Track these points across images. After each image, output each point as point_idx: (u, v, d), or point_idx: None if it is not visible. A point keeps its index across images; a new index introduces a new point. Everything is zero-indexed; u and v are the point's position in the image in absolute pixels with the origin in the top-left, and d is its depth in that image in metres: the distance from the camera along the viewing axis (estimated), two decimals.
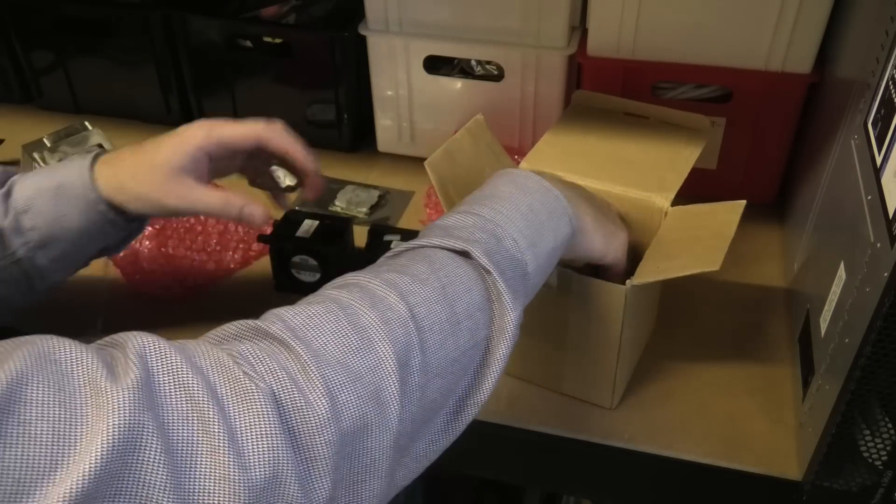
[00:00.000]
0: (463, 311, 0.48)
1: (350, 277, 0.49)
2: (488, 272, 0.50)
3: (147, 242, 0.83)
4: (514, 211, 0.54)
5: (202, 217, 0.88)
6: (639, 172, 0.71)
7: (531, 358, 0.68)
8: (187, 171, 0.62)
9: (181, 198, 0.62)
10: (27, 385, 0.34)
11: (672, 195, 0.69)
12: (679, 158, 0.73)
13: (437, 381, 0.47)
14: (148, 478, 0.35)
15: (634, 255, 0.65)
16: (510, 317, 0.50)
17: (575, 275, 0.62)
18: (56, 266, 0.65)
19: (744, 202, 0.64)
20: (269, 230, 0.78)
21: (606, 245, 0.61)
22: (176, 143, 0.62)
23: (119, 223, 0.64)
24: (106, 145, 0.96)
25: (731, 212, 0.64)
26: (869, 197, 0.56)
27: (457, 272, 0.50)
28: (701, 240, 0.62)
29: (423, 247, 0.51)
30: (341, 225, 0.80)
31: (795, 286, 0.76)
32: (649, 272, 0.61)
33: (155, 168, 0.62)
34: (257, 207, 0.65)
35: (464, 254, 0.51)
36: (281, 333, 0.43)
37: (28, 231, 0.62)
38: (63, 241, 0.63)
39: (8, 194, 0.63)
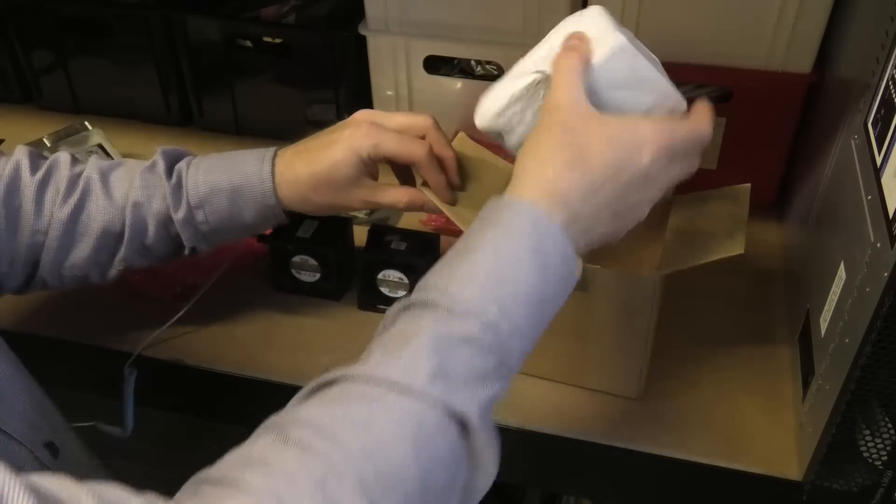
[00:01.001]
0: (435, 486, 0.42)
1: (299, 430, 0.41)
2: (471, 430, 0.43)
3: None
4: (525, 307, 0.47)
5: None
6: None
7: (552, 355, 0.68)
8: (363, 174, 0.64)
9: (366, 201, 0.65)
10: None
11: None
12: None
13: None
14: None
15: (638, 246, 0.65)
16: (489, 456, 0.44)
17: (599, 269, 0.62)
18: (209, 245, 0.69)
19: (748, 185, 0.65)
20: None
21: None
22: (346, 151, 0.63)
23: (282, 218, 0.68)
24: (106, 145, 0.97)
25: (737, 196, 0.64)
26: (869, 197, 0.56)
27: (434, 445, 0.42)
28: (716, 226, 0.63)
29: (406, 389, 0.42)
30: (341, 225, 0.80)
31: (795, 286, 0.76)
32: (676, 260, 0.61)
33: (334, 181, 0.64)
34: (432, 198, 0.65)
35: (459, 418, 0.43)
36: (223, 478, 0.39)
37: (200, 224, 0.67)
38: (230, 232, 0.68)
39: (179, 185, 0.67)
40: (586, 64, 0.54)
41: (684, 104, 0.57)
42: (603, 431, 0.66)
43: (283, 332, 0.76)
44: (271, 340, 0.75)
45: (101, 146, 0.96)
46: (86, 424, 0.71)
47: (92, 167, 0.67)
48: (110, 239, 0.66)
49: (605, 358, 0.67)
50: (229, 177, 0.67)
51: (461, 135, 0.70)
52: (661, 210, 0.69)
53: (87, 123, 0.97)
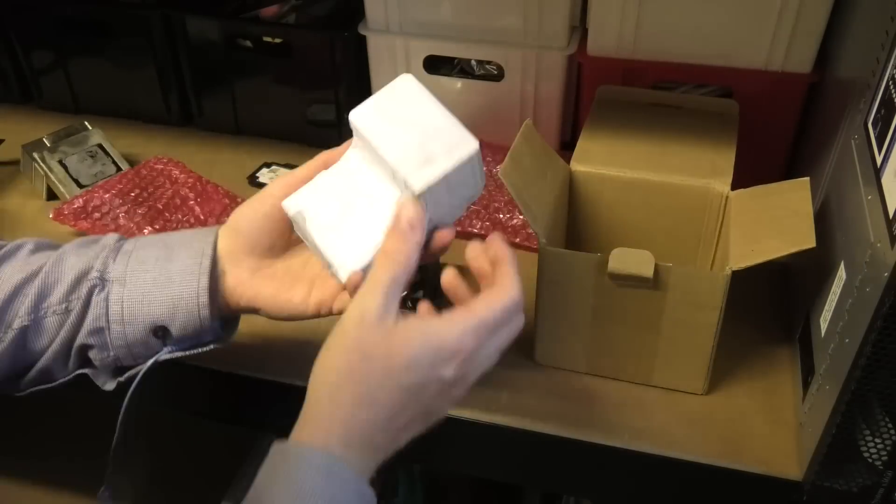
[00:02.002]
0: None
1: None
2: None
3: None
4: None
5: (201, 217, 0.88)
6: (687, 160, 0.73)
7: (621, 353, 0.68)
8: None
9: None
10: None
11: (729, 179, 0.70)
12: (720, 142, 0.74)
13: None
14: None
15: (690, 244, 0.65)
16: None
17: (672, 266, 0.62)
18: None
19: (807, 179, 0.65)
20: None
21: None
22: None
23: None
24: (106, 145, 0.97)
25: (798, 189, 0.65)
26: (869, 197, 0.56)
27: None
28: (782, 219, 0.63)
29: None
30: None
31: (795, 286, 0.76)
32: (745, 256, 0.61)
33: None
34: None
35: None
36: None
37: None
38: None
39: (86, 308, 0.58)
40: (405, 272, 0.51)
41: (475, 144, 0.54)
42: (603, 431, 0.66)
43: (283, 333, 0.76)
44: (271, 341, 0.75)
45: (100, 146, 0.96)
46: None
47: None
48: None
49: (674, 355, 0.67)
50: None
51: (529, 122, 0.70)
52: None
53: (87, 123, 0.97)
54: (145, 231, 0.84)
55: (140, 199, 0.89)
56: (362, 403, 0.48)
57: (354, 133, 0.56)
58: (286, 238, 0.60)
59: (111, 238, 0.61)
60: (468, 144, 0.53)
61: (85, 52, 1.04)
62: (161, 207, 0.88)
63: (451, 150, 0.53)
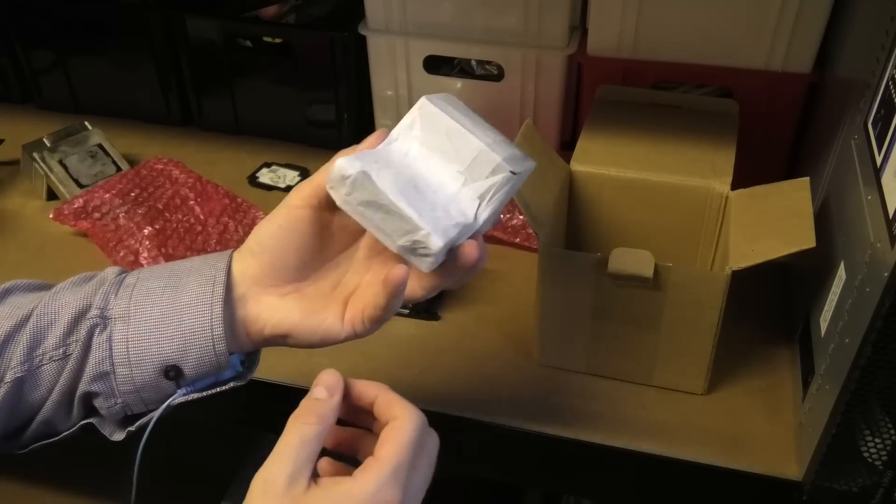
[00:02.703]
0: None
1: None
2: None
3: (147, 243, 0.83)
4: None
5: (201, 217, 0.88)
6: (687, 160, 0.73)
7: (621, 353, 0.69)
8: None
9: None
10: None
11: (729, 179, 0.70)
12: (720, 142, 0.74)
13: None
14: None
15: (690, 244, 0.65)
16: None
17: (672, 266, 0.62)
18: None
19: (807, 179, 0.65)
20: None
21: None
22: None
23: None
24: (106, 145, 0.97)
25: (798, 189, 0.65)
26: (869, 197, 0.56)
27: None
28: (782, 219, 0.63)
29: None
30: None
31: (795, 286, 0.76)
32: (745, 256, 0.61)
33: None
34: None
35: None
36: None
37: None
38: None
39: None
40: (316, 437, 0.46)
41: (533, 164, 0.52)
42: (603, 431, 0.66)
43: None
44: None
45: (100, 146, 0.96)
46: None
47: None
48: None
49: (674, 355, 0.67)
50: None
51: (529, 122, 0.70)
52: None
53: (87, 123, 0.97)
54: (145, 231, 0.84)
55: (140, 199, 0.89)
56: None
57: (422, 117, 0.51)
58: (316, 254, 0.53)
59: (111, 271, 0.54)
60: (528, 164, 0.52)
61: (85, 52, 1.04)
62: (161, 207, 0.88)
63: (520, 163, 0.51)
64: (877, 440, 0.57)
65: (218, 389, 0.53)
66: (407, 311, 0.77)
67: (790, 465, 0.63)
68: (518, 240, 0.85)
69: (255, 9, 1.00)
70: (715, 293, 0.62)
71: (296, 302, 0.52)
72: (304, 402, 0.47)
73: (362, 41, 0.93)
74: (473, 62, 0.94)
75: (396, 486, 0.45)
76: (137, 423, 0.53)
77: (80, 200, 0.88)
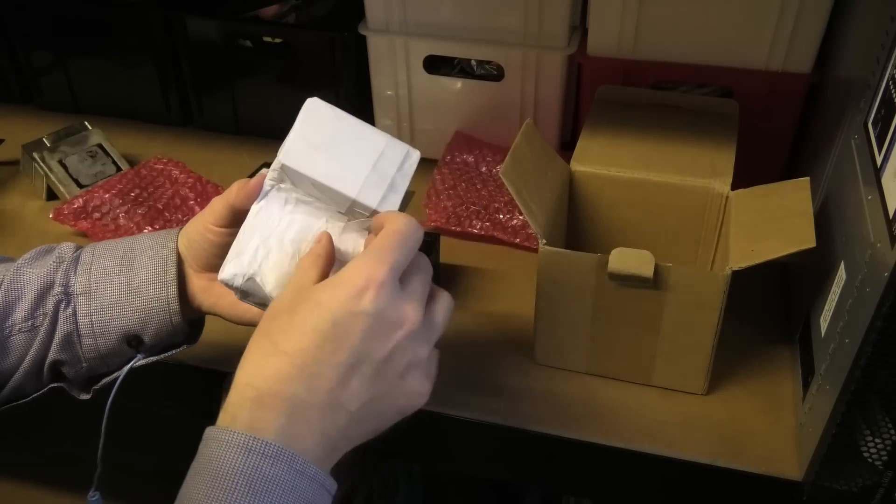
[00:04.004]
0: None
1: None
2: None
3: None
4: None
5: None
6: (687, 160, 0.73)
7: (621, 353, 0.68)
8: None
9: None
10: None
11: (729, 179, 0.70)
12: (720, 142, 0.74)
13: None
14: None
15: (690, 244, 0.66)
16: None
17: (672, 266, 0.62)
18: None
19: (807, 179, 0.65)
20: None
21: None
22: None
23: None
24: (106, 145, 0.97)
25: (798, 189, 0.65)
26: (869, 197, 0.56)
27: None
28: (782, 219, 0.63)
29: None
30: None
31: (795, 286, 0.76)
32: (745, 256, 0.61)
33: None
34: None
35: None
36: None
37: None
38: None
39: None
40: (327, 257, 0.51)
41: (417, 154, 0.55)
42: (603, 431, 0.66)
43: None
44: None
45: (100, 146, 0.96)
46: None
47: None
48: None
49: (674, 355, 0.67)
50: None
51: (530, 121, 0.70)
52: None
53: (87, 123, 0.97)
54: (145, 231, 0.84)
55: (140, 199, 0.89)
56: (266, 354, 0.45)
57: (286, 176, 0.55)
58: None
59: (67, 248, 0.59)
60: (413, 156, 0.55)
61: (85, 52, 1.04)
62: (161, 207, 0.88)
63: (401, 166, 0.54)
64: (877, 440, 0.57)
65: (173, 352, 0.60)
66: None
67: (790, 465, 0.63)
68: (518, 240, 0.85)
69: (255, 9, 1.00)
70: (715, 293, 0.62)
71: (225, 290, 0.57)
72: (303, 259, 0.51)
73: (362, 41, 0.93)
74: (473, 62, 0.94)
75: (381, 263, 0.46)
76: (102, 382, 0.60)
77: (80, 200, 0.88)
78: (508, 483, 1.12)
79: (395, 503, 1.15)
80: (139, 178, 0.92)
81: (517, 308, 0.77)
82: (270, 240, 0.54)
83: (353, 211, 0.54)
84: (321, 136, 0.54)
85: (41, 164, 0.92)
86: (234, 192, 0.56)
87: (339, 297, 0.45)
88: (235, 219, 0.56)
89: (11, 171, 0.98)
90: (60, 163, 0.93)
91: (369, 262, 0.46)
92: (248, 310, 0.57)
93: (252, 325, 0.54)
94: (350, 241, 0.54)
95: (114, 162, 0.96)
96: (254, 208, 0.55)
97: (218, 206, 0.56)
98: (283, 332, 0.46)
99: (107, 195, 0.88)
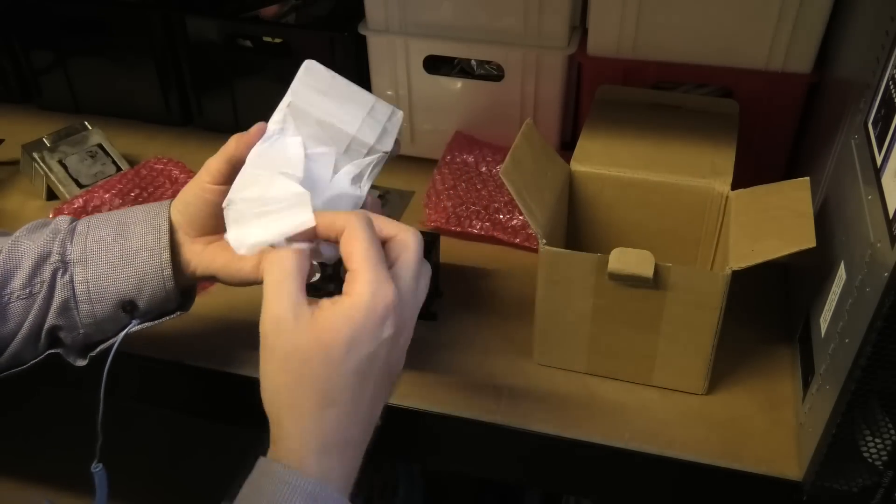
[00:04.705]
0: None
1: None
2: None
3: None
4: None
5: None
6: (687, 160, 0.73)
7: (621, 353, 0.68)
8: None
9: None
10: None
11: (729, 179, 0.70)
12: (720, 142, 0.74)
13: None
14: None
15: (690, 244, 0.66)
16: None
17: (672, 266, 0.62)
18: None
19: (807, 179, 0.65)
20: None
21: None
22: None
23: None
24: (106, 145, 0.97)
25: (798, 189, 0.65)
26: (869, 197, 0.56)
27: None
28: (782, 219, 0.63)
29: None
30: None
31: (795, 286, 0.76)
32: (745, 256, 0.61)
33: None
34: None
35: None
36: None
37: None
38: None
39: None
40: (298, 268, 0.49)
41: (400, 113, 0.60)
42: (603, 431, 0.66)
43: None
44: None
45: (100, 146, 0.96)
46: None
47: None
48: None
49: (674, 355, 0.67)
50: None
51: (530, 121, 0.70)
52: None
53: (87, 123, 0.97)
54: None
55: (140, 200, 0.89)
56: (323, 405, 0.47)
57: (290, 118, 0.58)
58: None
59: (63, 220, 0.62)
60: (398, 114, 0.60)
61: (85, 52, 1.04)
62: None
63: (389, 118, 0.59)
64: (877, 440, 0.57)
65: (166, 318, 0.62)
66: None
67: (790, 465, 0.63)
68: (518, 240, 0.85)
69: (255, 9, 1.00)
70: (715, 293, 0.62)
71: (220, 249, 0.60)
72: (269, 255, 0.50)
73: (362, 41, 0.93)
74: (473, 62, 0.94)
75: (391, 282, 0.48)
76: (98, 348, 0.62)
77: (80, 200, 0.88)
78: (508, 483, 1.12)
79: (394, 503, 1.15)
80: (139, 178, 0.92)
81: (517, 308, 0.77)
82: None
83: (351, 149, 0.57)
84: (322, 86, 0.59)
85: (41, 164, 0.92)
86: (232, 146, 0.58)
87: (368, 333, 0.47)
88: (233, 174, 0.57)
89: (11, 171, 0.98)
90: (60, 163, 0.93)
91: (382, 283, 0.47)
92: (240, 269, 0.59)
93: (245, 283, 0.59)
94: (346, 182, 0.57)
95: (114, 162, 0.96)
96: (255, 150, 0.56)
97: (214, 165, 0.58)
98: (330, 381, 0.47)
99: (107, 195, 0.88)
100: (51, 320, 0.60)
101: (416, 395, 0.69)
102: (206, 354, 0.74)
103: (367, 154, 0.58)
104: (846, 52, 0.75)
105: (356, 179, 0.58)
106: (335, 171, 0.57)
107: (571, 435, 0.66)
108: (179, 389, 0.79)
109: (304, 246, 0.50)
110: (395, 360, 0.50)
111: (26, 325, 0.59)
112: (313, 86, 0.59)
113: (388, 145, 0.58)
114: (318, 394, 0.47)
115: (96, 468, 0.64)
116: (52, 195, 0.94)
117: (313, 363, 0.47)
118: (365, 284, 0.47)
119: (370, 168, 0.58)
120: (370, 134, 0.58)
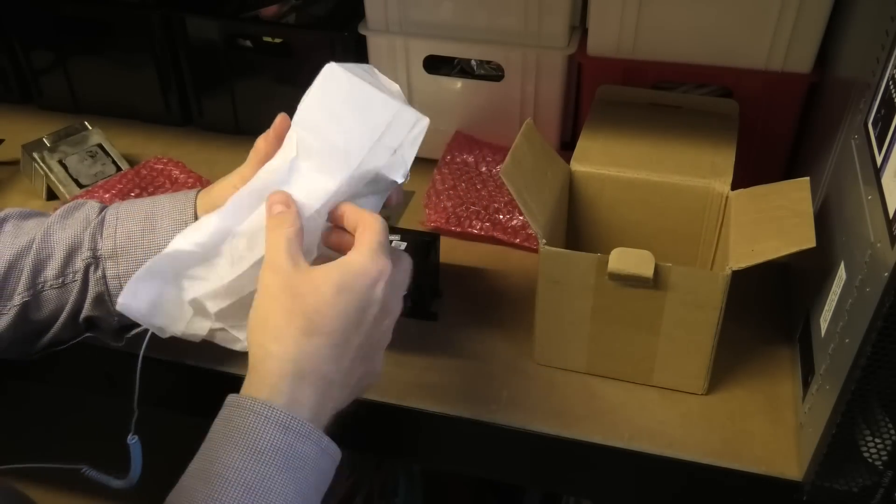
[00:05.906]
0: None
1: None
2: None
3: None
4: None
5: None
6: (687, 160, 0.73)
7: (621, 353, 0.69)
8: None
9: None
10: None
11: (729, 179, 0.70)
12: (720, 142, 0.74)
13: None
14: None
15: (690, 244, 0.67)
16: None
17: (672, 266, 0.62)
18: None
19: (807, 179, 0.65)
20: None
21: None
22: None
23: None
24: (106, 145, 0.97)
25: (798, 189, 0.65)
26: (869, 197, 0.57)
27: None
28: (782, 220, 0.63)
29: None
30: None
31: (795, 286, 0.76)
32: (745, 256, 0.61)
33: None
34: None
35: None
36: None
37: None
38: None
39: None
40: (298, 231, 0.52)
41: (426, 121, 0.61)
42: (603, 431, 0.66)
43: None
44: None
45: (100, 146, 0.96)
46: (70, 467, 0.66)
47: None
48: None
49: (674, 355, 0.67)
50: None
51: (530, 121, 0.70)
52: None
53: (87, 123, 0.97)
54: None
55: None
56: (305, 333, 0.49)
57: (296, 139, 0.58)
58: None
59: (92, 209, 0.64)
60: (422, 122, 0.59)
61: (85, 52, 1.04)
62: None
63: (411, 130, 0.59)
64: (877, 440, 0.57)
65: None
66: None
67: (790, 465, 0.63)
68: (518, 240, 0.85)
69: (255, 9, 1.00)
70: (715, 293, 0.62)
71: None
72: (269, 220, 0.53)
73: (362, 41, 0.93)
74: (473, 62, 0.94)
75: (384, 256, 0.52)
76: (133, 332, 0.64)
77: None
78: (508, 483, 1.12)
79: (395, 503, 1.15)
80: (139, 178, 0.92)
81: (517, 308, 0.77)
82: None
83: (360, 176, 0.56)
84: (336, 103, 0.59)
85: (41, 164, 0.92)
86: (261, 147, 0.61)
87: (360, 286, 0.50)
88: None
89: (11, 171, 0.98)
90: (60, 163, 0.93)
91: (380, 255, 0.51)
92: None
93: None
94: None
95: (114, 162, 0.96)
96: (263, 178, 0.57)
97: (248, 172, 0.60)
98: (318, 312, 0.49)
99: (107, 195, 0.88)
100: (87, 311, 0.63)
101: (416, 395, 0.69)
102: (207, 354, 0.74)
103: (369, 187, 0.57)
104: (846, 52, 0.75)
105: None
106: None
107: (571, 435, 0.66)
108: (179, 389, 0.79)
109: (321, 220, 0.55)
110: (381, 335, 0.53)
111: (65, 313, 0.62)
112: (327, 104, 0.59)
113: (396, 172, 0.57)
114: (303, 319, 0.49)
115: (132, 440, 0.65)
116: (52, 195, 0.94)
117: (305, 298, 0.49)
118: (365, 251, 0.51)
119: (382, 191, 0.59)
120: (376, 160, 0.56)
